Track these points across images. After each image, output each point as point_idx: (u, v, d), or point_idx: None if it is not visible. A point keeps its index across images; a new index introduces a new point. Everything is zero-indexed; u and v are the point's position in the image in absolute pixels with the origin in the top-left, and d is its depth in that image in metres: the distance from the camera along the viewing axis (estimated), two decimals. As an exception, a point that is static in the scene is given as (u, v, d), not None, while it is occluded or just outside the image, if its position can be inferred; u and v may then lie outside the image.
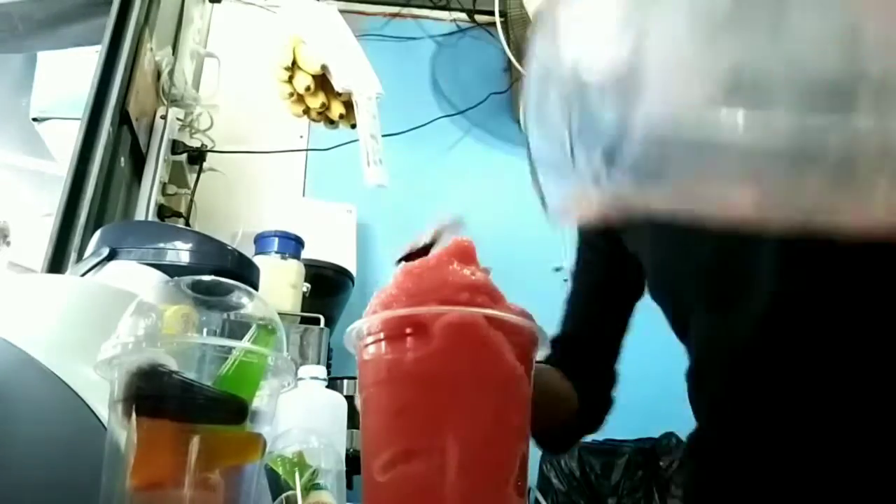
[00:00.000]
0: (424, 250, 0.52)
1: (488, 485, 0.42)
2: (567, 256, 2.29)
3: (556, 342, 0.72)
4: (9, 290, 0.57)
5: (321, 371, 0.96)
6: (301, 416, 0.85)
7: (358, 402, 0.48)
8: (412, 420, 0.43)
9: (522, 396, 0.45)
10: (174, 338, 0.42)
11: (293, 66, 1.50)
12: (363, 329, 0.45)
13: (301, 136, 2.24)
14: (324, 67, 1.48)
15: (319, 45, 1.50)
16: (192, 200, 1.88)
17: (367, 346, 0.46)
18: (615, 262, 0.79)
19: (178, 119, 1.81)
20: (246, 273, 0.93)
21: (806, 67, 0.32)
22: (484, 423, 0.43)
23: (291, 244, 1.46)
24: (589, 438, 0.92)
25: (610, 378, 0.79)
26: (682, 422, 0.78)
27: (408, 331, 0.43)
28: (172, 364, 0.40)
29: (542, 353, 0.48)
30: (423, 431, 0.43)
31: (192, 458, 0.39)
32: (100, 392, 0.44)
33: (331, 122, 1.63)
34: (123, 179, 1.52)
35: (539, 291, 1.39)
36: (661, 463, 1.81)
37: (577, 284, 0.84)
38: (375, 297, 0.46)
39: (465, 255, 0.47)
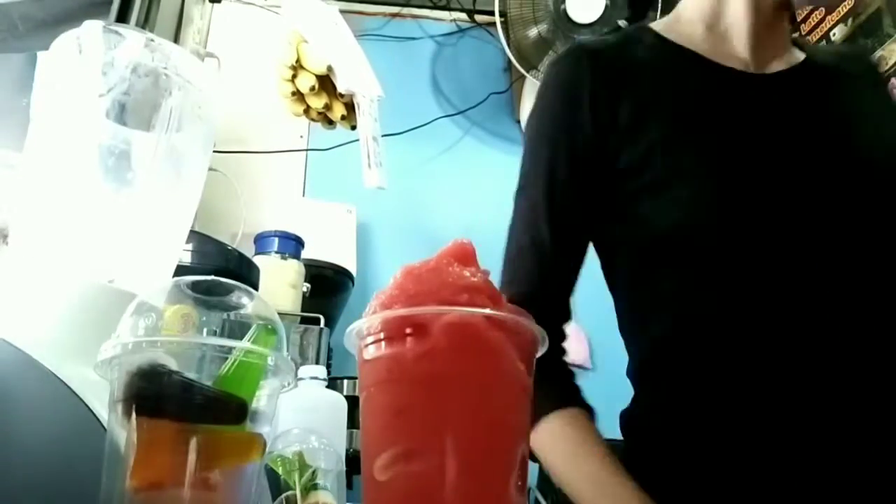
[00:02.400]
0: None
1: (488, 485, 0.42)
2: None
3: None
4: (9, 290, 0.57)
5: (321, 371, 0.96)
6: (301, 416, 0.85)
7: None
8: (412, 420, 0.43)
9: (522, 396, 0.45)
10: (174, 338, 0.42)
11: (297, 65, 1.50)
12: (363, 329, 0.45)
13: (301, 136, 2.24)
14: (329, 68, 1.48)
15: (323, 45, 1.50)
16: (192, 200, 1.88)
17: (367, 346, 0.45)
18: None
19: (178, 119, 1.81)
20: (246, 273, 0.94)
21: None
22: (484, 423, 0.43)
23: (291, 244, 1.46)
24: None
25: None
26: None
27: (408, 331, 0.43)
28: (172, 364, 0.40)
29: (541, 352, 0.48)
30: (423, 431, 0.43)
31: (192, 458, 0.39)
32: (100, 392, 0.44)
33: (329, 123, 1.63)
34: (123, 179, 1.52)
35: (539, 291, 1.39)
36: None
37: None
38: (375, 298, 0.46)
39: (465, 256, 0.47)
